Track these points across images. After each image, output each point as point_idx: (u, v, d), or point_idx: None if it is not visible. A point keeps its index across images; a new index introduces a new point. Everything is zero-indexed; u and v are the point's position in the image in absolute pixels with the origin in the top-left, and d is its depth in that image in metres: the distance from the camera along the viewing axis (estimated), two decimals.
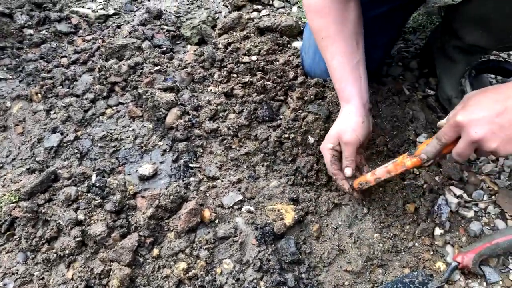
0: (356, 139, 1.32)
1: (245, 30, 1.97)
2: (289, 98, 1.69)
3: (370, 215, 1.40)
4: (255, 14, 2.24)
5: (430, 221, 1.35)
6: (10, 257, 1.31)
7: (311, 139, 1.57)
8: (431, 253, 1.31)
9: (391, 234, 1.35)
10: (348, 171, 1.34)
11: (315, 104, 1.62)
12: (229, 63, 1.79)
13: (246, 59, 1.78)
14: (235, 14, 2.02)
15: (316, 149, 1.56)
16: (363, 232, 1.37)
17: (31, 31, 2.11)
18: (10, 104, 1.82)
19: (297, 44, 1.99)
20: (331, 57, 1.39)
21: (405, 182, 1.44)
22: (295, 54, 1.85)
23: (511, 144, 1.01)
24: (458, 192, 1.42)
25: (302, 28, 2.10)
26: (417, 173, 1.46)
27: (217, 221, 1.41)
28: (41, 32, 2.12)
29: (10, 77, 1.93)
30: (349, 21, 1.36)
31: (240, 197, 1.49)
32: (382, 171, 1.30)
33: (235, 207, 1.47)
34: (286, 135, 1.59)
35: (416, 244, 1.33)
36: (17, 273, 1.28)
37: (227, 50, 1.84)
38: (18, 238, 1.33)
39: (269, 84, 1.70)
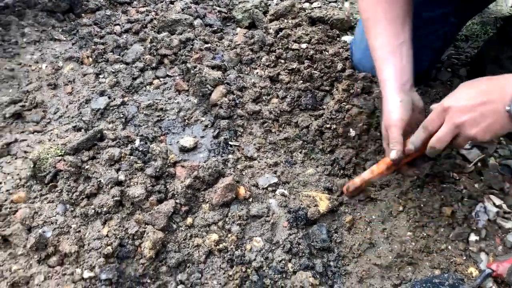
0: (393, 120, 1.28)
1: (297, 18, 1.98)
2: (335, 89, 1.69)
3: (405, 213, 1.39)
4: (306, 4, 2.25)
5: (466, 227, 1.33)
6: (50, 207, 1.35)
7: (352, 132, 1.57)
8: (464, 258, 1.29)
9: (425, 234, 1.34)
10: (392, 154, 1.28)
11: (361, 98, 1.62)
12: (278, 49, 1.80)
13: (295, 46, 1.79)
14: (288, 2, 2.03)
15: (357, 142, 1.56)
16: (396, 229, 1.37)
17: None
18: (62, 64, 1.87)
19: (346, 38, 1.98)
20: (375, 38, 1.37)
21: (444, 185, 1.43)
22: (345, 47, 1.85)
23: (489, 133, 1.10)
24: (498, 201, 1.40)
25: (353, 24, 2.10)
26: (457, 178, 1.44)
27: (251, 199, 1.43)
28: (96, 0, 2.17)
29: (64, 39, 1.99)
30: (398, 2, 1.35)
31: (275, 180, 1.50)
32: (366, 172, 1.41)
33: (270, 188, 1.48)
34: (328, 125, 1.59)
35: (449, 247, 1.31)
36: (55, 222, 1.32)
37: (278, 36, 1.85)
38: (59, 190, 1.37)
39: (316, 73, 1.71)
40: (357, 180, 1.41)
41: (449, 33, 1.72)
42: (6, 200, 1.37)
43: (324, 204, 1.41)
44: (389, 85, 1.32)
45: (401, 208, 1.41)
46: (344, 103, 1.62)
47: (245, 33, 1.92)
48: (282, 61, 1.77)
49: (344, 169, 1.53)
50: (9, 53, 1.88)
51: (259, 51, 1.84)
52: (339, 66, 1.72)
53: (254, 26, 2.06)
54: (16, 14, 2.01)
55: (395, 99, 1.30)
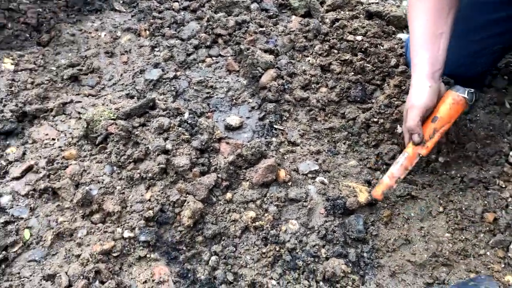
0: (418, 103, 1.30)
1: (354, 11, 1.97)
2: (386, 84, 1.68)
3: (445, 215, 1.37)
4: None
5: (508, 235, 1.30)
6: (98, 167, 1.41)
7: (399, 129, 1.56)
8: (503, 265, 1.26)
9: (463, 237, 1.32)
10: (415, 137, 1.31)
11: None
12: (333, 38, 1.80)
13: (350, 37, 1.78)
14: None
15: (403, 139, 1.54)
16: (434, 229, 1.35)
17: None
18: (120, 34, 1.94)
19: (402, 36, 1.95)
20: (417, 23, 1.36)
21: (489, 191, 1.40)
22: (400, 44, 1.83)
23: None
24: None
25: None
26: (504, 186, 1.41)
27: (290, 183, 1.44)
28: None
29: (124, 10, 2.05)
30: None
31: (316, 167, 1.51)
32: (400, 170, 1.34)
33: (310, 175, 1.49)
34: (375, 119, 1.58)
35: (488, 253, 1.29)
36: (102, 182, 1.37)
37: (333, 26, 1.85)
38: (108, 152, 1.42)
39: (368, 67, 1.69)
40: (391, 182, 1.35)
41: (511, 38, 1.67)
42: (58, 156, 1.43)
43: (363, 196, 1.40)
44: (421, 69, 1.33)
45: (441, 209, 1.39)
46: (394, 98, 1.60)
47: (300, 21, 1.93)
48: (335, 51, 1.77)
49: (387, 164, 1.52)
50: (72, 19, 1.96)
51: (313, 39, 1.84)
52: (393, 61, 1.71)
53: (310, 15, 2.06)
54: None
55: (424, 84, 1.31)
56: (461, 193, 1.41)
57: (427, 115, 1.33)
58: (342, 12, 1.96)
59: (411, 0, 1.40)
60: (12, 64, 1.72)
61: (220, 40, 1.87)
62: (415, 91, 1.32)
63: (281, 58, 1.77)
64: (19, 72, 1.70)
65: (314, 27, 1.84)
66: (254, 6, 2.01)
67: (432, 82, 1.31)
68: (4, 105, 1.56)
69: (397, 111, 1.56)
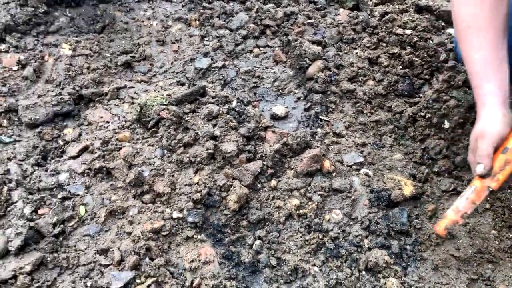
0: (490, 133, 1.20)
1: (403, 5, 1.95)
2: (434, 79, 1.66)
3: (492, 212, 1.36)
4: None
5: None
6: (150, 150, 1.47)
7: (447, 124, 1.54)
8: None
9: (511, 235, 1.30)
10: (479, 168, 1.19)
11: (461, 91, 1.58)
12: (381, 32, 1.79)
13: (400, 31, 1.77)
14: None
15: (450, 135, 1.53)
16: (480, 225, 1.34)
17: None
18: (171, 24, 1.99)
19: (452, 31, 1.92)
20: (476, 50, 1.26)
21: None
22: (449, 39, 1.80)
23: None
24: None
25: None
26: None
27: (334, 174, 1.46)
28: None
29: (175, 0, 2.11)
30: (501, 15, 1.25)
31: (361, 159, 1.52)
32: (466, 204, 1.21)
33: (354, 167, 1.50)
34: (422, 114, 1.57)
35: None
36: (153, 164, 1.43)
37: (382, 19, 1.84)
38: (160, 136, 1.48)
39: (417, 61, 1.68)
40: (456, 217, 1.23)
41: None
42: (112, 138, 1.50)
43: (408, 189, 1.40)
44: (491, 99, 1.24)
45: (488, 206, 1.37)
46: (443, 93, 1.58)
47: (349, 14, 1.93)
48: (384, 44, 1.76)
49: (433, 159, 1.51)
50: (126, 8, 2.04)
51: (361, 32, 1.84)
52: (442, 56, 1.69)
53: (358, 8, 2.05)
54: None
55: (497, 112, 1.22)
56: (509, 191, 1.39)
57: (498, 146, 1.21)
58: (391, 6, 1.94)
59: (462, 26, 1.30)
60: (70, 49, 1.80)
61: (268, 31, 1.89)
62: (488, 119, 1.22)
63: (328, 50, 1.78)
64: (76, 57, 1.78)
65: (363, 20, 1.84)
66: None
67: (504, 110, 1.22)
68: (62, 88, 1.65)
69: (445, 106, 1.54)
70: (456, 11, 1.32)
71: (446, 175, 1.49)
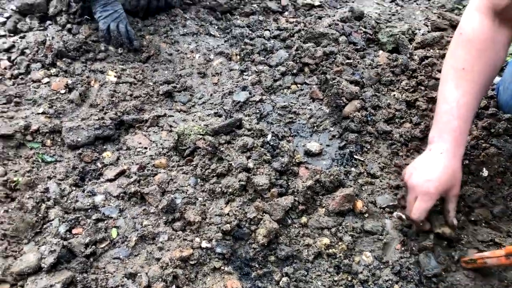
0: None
1: (444, 50, 1.95)
2: (473, 126, 1.63)
3: None
4: None
5: None
6: (184, 177, 1.49)
7: (485, 172, 1.50)
8: None
9: None
10: (455, 221, 1.33)
11: (501, 139, 1.55)
12: (421, 75, 1.79)
13: (439, 76, 1.76)
14: (437, 33, 2.01)
15: (488, 184, 1.49)
16: None
17: (244, 2, 2.36)
18: (213, 57, 2.06)
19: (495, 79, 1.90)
20: (461, 93, 1.29)
21: None
22: (491, 86, 1.78)
23: None
24: None
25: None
26: None
27: (366, 215, 1.44)
28: (252, 5, 2.34)
29: (218, 35, 2.18)
30: (498, 60, 1.31)
31: (395, 202, 1.49)
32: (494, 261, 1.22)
33: (387, 209, 1.47)
34: None
35: None
36: (186, 192, 1.45)
37: (422, 63, 1.84)
38: (194, 165, 1.51)
39: None
40: (478, 261, 1.26)
41: None
42: (148, 163, 1.54)
43: (442, 235, 1.36)
44: (458, 151, 1.31)
45: None
46: (482, 141, 1.56)
47: (388, 56, 1.94)
48: (423, 88, 1.76)
49: (469, 207, 1.47)
50: (171, 40, 2.12)
51: (400, 75, 1.85)
52: (482, 103, 1.66)
53: (397, 51, 2.06)
54: (182, 7, 2.26)
55: (456, 168, 1.30)
56: None
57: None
58: (431, 51, 1.94)
59: (457, 66, 1.33)
60: (115, 76, 1.88)
61: (306, 69, 1.92)
62: (459, 178, 1.32)
63: (366, 90, 1.79)
64: (120, 84, 1.86)
65: (402, 62, 1.85)
66: (342, 39, 2.06)
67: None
68: (105, 113, 1.71)
69: (484, 153, 1.51)
70: (454, 50, 1.36)
71: (483, 224, 1.44)
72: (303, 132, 1.72)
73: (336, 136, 1.69)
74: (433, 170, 1.30)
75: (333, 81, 1.78)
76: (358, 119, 1.67)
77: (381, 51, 2.08)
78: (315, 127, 1.73)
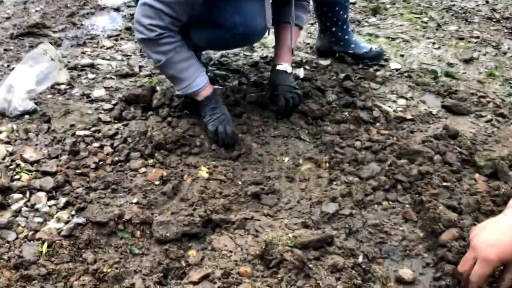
0: None
1: None
2: None
3: None
4: None
5: None
6: None
7: None
8: None
9: None
10: None
11: None
12: None
13: None
14: None
15: None
16: None
17: (335, 109, 2.40)
18: (302, 162, 2.07)
19: None
20: None
21: None
22: None
23: None
24: None
25: None
26: None
27: None
28: (343, 113, 2.37)
29: (308, 140, 2.21)
30: None
31: None
32: None
33: None
34: None
35: None
36: None
37: None
38: (280, 278, 1.44)
39: None
40: None
41: None
42: (232, 270, 1.50)
43: None
44: None
45: None
46: None
47: (488, 182, 1.85)
48: None
49: None
50: (262, 140, 2.17)
51: (502, 205, 1.73)
52: None
53: (496, 177, 1.96)
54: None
55: None
56: None
57: None
58: None
59: None
60: (207, 172, 1.93)
61: (399, 186, 1.87)
62: None
63: (464, 218, 1.69)
64: (211, 181, 1.89)
65: (505, 193, 1.75)
66: (437, 158, 2.00)
67: None
68: (195, 209, 1.73)
69: None
70: None
71: None
72: (394, 255, 1.62)
73: (431, 265, 1.58)
74: (500, 235, 1.24)
75: (429, 204, 1.70)
76: (456, 250, 1.56)
77: (477, 174, 1.99)
78: (408, 251, 1.63)
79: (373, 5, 3.95)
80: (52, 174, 1.83)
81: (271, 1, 2.19)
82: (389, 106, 2.49)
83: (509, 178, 1.90)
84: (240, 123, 2.26)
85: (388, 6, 4.00)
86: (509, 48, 3.33)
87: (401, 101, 2.57)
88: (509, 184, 1.85)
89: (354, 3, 4.01)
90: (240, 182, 1.92)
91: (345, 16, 2.81)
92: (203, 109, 2.10)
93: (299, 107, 2.36)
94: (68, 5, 3.52)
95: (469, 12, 3.95)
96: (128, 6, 3.54)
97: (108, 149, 2.00)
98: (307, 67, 2.89)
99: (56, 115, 2.23)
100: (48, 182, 1.78)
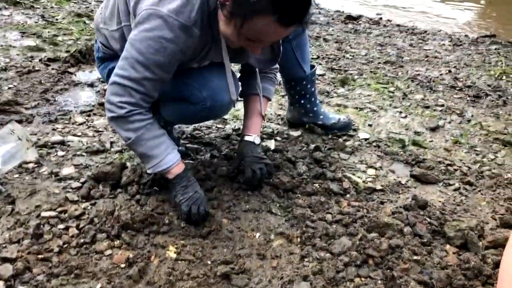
0: None
1: None
2: None
3: None
4: None
5: None
6: None
7: None
8: None
9: None
10: None
11: None
12: (496, 282, 1.66)
13: None
14: (508, 232, 1.92)
15: None
16: None
17: (306, 181, 2.41)
18: (273, 238, 2.04)
19: None
20: None
21: None
22: None
23: None
24: None
25: None
26: None
27: None
28: (314, 185, 2.39)
29: (280, 214, 2.19)
30: None
31: None
32: None
33: None
34: None
35: None
36: None
37: (497, 269, 1.72)
38: None
39: None
40: None
41: None
42: None
43: None
44: None
45: None
46: None
47: (458, 255, 1.85)
48: None
49: None
50: (233, 216, 2.14)
51: (473, 279, 1.72)
52: None
53: (466, 248, 1.96)
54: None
55: None
56: None
57: None
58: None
59: None
60: (175, 252, 1.88)
61: (371, 261, 1.85)
62: None
63: None
64: (179, 262, 1.84)
65: (475, 266, 1.74)
66: (407, 229, 2.01)
67: None
68: None
69: None
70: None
71: None
72: None
73: None
74: None
75: (401, 280, 1.69)
76: None
77: (448, 245, 1.99)
78: None
79: (341, 77, 4.11)
80: (12, 261, 1.75)
81: (238, 76, 2.25)
82: (358, 177, 2.52)
83: (479, 249, 1.90)
84: (210, 198, 2.24)
85: (356, 77, 4.18)
86: (472, 116, 3.47)
87: (371, 171, 2.61)
88: (478, 255, 1.85)
89: (323, 75, 4.17)
90: (209, 262, 1.87)
91: (313, 89, 2.91)
92: (174, 187, 2.07)
93: (270, 180, 2.37)
94: (42, 81, 3.54)
95: (433, 81, 4.15)
96: (102, 82, 3.58)
97: (73, 231, 1.94)
98: (278, 138, 2.94)
99: (22, 195, 2.17)
100: (7, 269, 1.70)
